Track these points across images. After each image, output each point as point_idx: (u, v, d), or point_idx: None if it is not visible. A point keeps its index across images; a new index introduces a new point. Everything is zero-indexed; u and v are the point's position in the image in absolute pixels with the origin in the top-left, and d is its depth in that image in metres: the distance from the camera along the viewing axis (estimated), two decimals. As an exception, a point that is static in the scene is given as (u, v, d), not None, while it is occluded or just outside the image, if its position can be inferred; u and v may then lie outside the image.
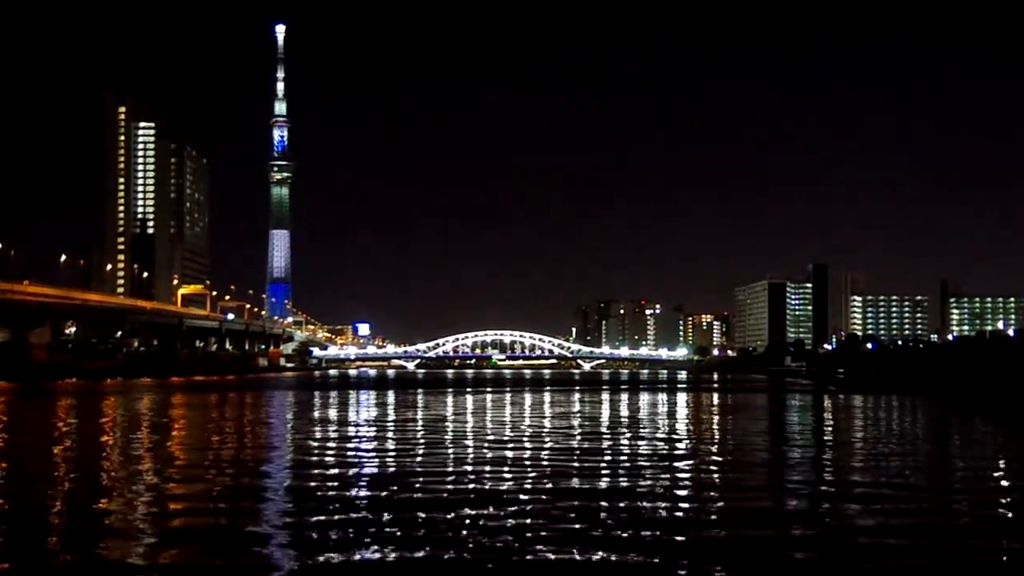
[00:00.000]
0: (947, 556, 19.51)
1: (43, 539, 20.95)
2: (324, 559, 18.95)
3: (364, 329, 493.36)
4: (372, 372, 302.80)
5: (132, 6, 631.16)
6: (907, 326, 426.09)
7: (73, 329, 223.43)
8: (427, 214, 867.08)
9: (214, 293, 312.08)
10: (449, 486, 28.80)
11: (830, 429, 56.18)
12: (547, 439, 46.04)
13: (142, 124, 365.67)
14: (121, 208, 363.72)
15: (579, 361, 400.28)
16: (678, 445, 43.52)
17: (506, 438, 46.27)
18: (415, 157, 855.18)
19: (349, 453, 39.67)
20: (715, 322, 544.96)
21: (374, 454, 39.38)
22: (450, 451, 40.18)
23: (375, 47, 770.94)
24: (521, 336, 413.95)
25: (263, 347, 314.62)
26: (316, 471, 33.15)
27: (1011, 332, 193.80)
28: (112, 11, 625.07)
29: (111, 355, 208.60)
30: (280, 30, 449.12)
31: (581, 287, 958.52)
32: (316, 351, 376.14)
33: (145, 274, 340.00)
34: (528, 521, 22.62)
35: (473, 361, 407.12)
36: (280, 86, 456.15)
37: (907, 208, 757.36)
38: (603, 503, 25.56)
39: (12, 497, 27.34)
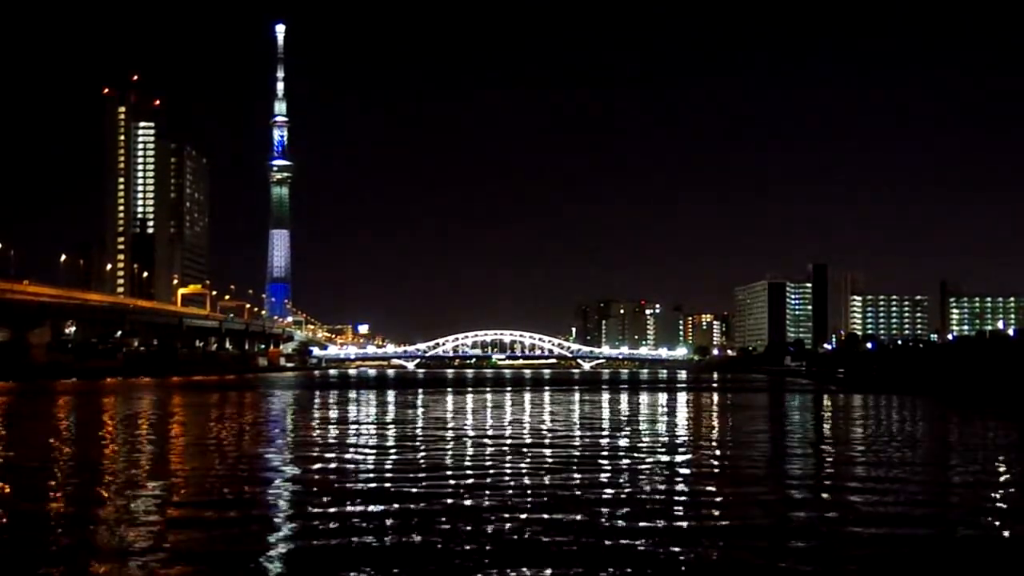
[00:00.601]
0: (946, 554, 19.53)
1: (43, 538, 20.96)
2: (323, 555, 19.01)
3: (364, 329, 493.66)
4: (372, 372, 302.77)
5: (132, 6, 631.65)
6: (907, 326, 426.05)
7: (73, 329, 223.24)
8: (427, 214, 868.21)
9: (214, 293, 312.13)
10: (448, 489, 28.78)
11: (829, 429, 56.19)
12: (546, 438, 46.04)
13: (142, 124, 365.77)
14: (121, 208, 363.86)
15: (579, 361, 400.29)
16: (677, 445, 43.51)
17: (505, 436, 46.26)
18: (415, 157, 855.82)
19: (348, 452, 39.65)
20: (715, 322, 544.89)
21: (373, 451, 39.38)
22: (449, 450, 40.16)
23: (375, 47, 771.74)
24: (521, 336, 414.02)
25: (263, 347, 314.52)
26: (315, 469, 33.17)
27: (1011, 332, 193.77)
28: (112, 11, 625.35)
29: (111, 355, 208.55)
30: (280, 30, 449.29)
31: (581, 287, 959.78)
32: (316, 351, 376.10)
33: (145, 274, 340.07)
34: (526, 516, 22.69)
35: (473, 361, 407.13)
36: (280, 86, 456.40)
37: (907, 208, 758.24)
38: (601, 507, 25.57)
39: (12, 496, 27.35)
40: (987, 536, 21.61)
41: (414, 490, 27.74)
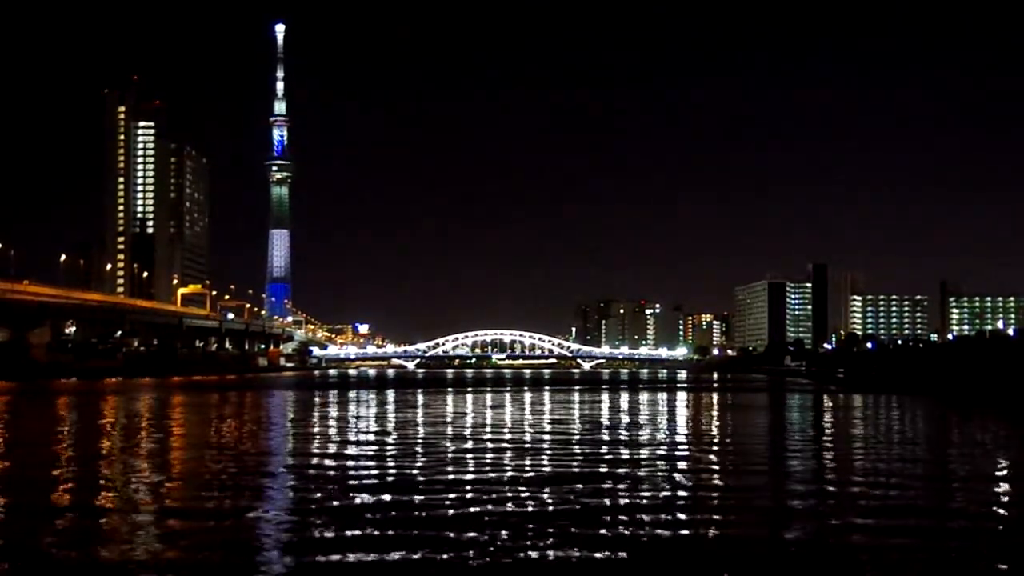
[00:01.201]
0: (945, 554, 19.55)
1: (43, 536, 20.97)
2: (323, 553, 19.04)
3: (364, 328, 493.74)
4: (372, 372, 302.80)
5: (132, 5, 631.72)
6: (907, 326, 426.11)
7: (73, 329, 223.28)
8: (427, 214, 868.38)
9: (214, 293, 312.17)
10: (451, 494, 28.78)
11: (830, 428, 56.21)
12: (546, 437, 46.05)
13: (142, 123, 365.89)
14: (121, 208, 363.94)
15: (579, 361, 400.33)
16: (677, 444, 43.54)
17: (505, 435, 46.26)
18: (415, 157, 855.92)
19: (348, 450, 39.66)
20: (715, 322, 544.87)
21: (374, 448, 39.38)
22: (449, 448, 40.15)
23: (375, 47, 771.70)
24: (521, 336, 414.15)
25: (263, 347, 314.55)
26: (315, 468, 33.19)
27: (1011, 332, 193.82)
28: (112, 10, 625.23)
29: (111, 355, 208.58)
30: (280, 30, 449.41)
31: (581, 287, 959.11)
32: (316, 351, 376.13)
33: (145, 274, 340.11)
34: (526, 513, 22.70)
35: (473, 361, 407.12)
36: (280, 85, 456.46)
37: (907, 208, 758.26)
38: (602, 503, 25.59)
39: (12, 495, 27.37)
40: (983, 530, 21.66)
41: (414, 484, 27.75)
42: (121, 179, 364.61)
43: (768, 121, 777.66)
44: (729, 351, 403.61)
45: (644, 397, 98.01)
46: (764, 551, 19.78)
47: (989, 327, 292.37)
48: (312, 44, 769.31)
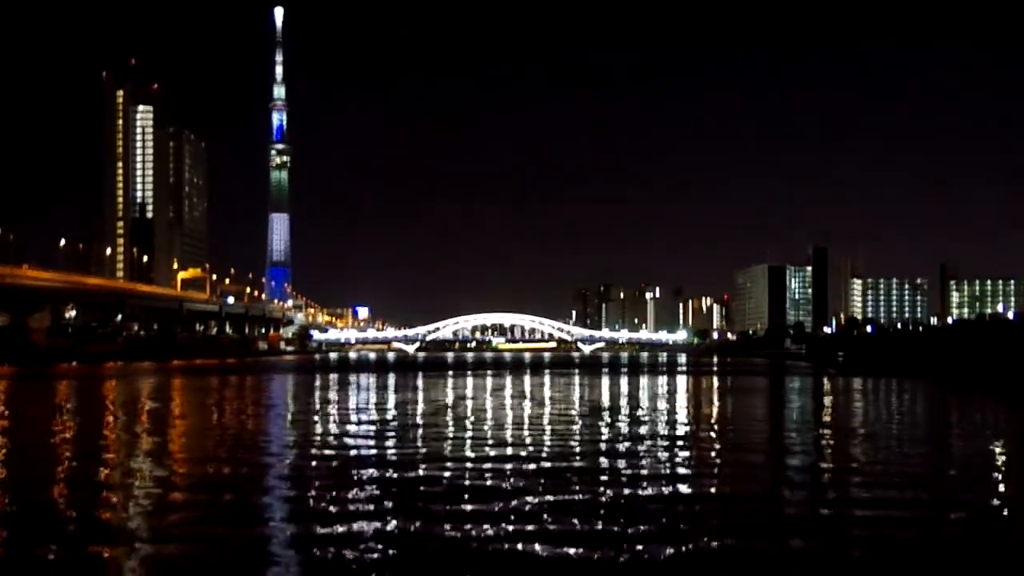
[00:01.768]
0: (943, 536, 19.61)
1: (44, 518, 21.03)
2: (323, 524, 19.11)
3: (364, 312, 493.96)
4: (372, 355, 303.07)
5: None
6: (907, 309, 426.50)
7: (73, 313, 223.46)
8: (427, 198, 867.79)
9: (214, 277, 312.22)
10: (447, 472, 28.84)
11: (829, 411, 56.29)
12: (546, 420, 46.15)
13: (140, 108, 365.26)
14: (120, 192, 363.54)
15: (579, 344, 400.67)
16: (676, 427, 43.61)
17: (506, 418, 46.35)
18: (415, 141, 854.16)
19: (349, 431, 39.70)
20: (715, 305, 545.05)
21: (374, 428, 39.41)
22: (449, 432, 40.21)
23: (374, 29, 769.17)
24: (521, 319, 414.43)
25: (263, 330, 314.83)
26: (316, 450, 33.23)
27: (1011, 315, 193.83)
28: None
29: (111, 339, 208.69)
30: (279, 14, 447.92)
31: (581, 271, 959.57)
32: (316, 334, 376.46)
33: (144, 258, 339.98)
34: (524, 487, 22.76)
35: (473, 344, 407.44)
36: (279, 69, 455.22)
37: (908, 192, 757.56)
38: (599, 486, 25.62)
39: (14, 478, 27.43)
40: (982, 511, 21.72)
41: (413, 471, 27.80)
42: (120, 164, 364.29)
43: (769, 107, 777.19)
44: (729, 335, 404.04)
45: (644, 380, 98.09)
46: (765, 527, 19.84)
47: (989, 311, 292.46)
48: (311, 27, 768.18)
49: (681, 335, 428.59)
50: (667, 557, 17.24)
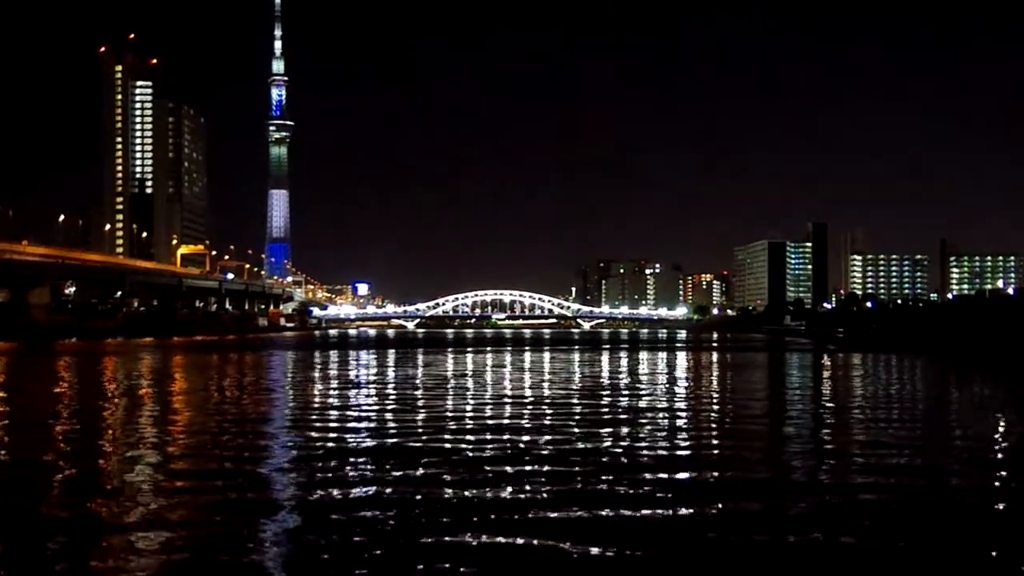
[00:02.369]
0: (941, 512, 19.68)
1: (44, 497, 21.06)
2: (323, 488, 19.18)
3: (363, 289, 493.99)
4: (372, 332, 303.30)
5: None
6: (907, 285, 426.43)
7: (73, 289, 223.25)
8: (427, 174, 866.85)
9: (213, 253, 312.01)
10: (447, 444, 28.91)
11: (828, 386, 56.41)
12: (546, 395, 46.27)
13: (139, 83, 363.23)
14: (119, 168, 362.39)
15: (579, 321, 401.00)
16: (676, 402, 43.71)
17: (507, 392, 46.44)
18: (414, 117, 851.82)
19: (350, 406, 39.79)
20: (715, 282, 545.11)
21: (375, 403, 39.50)
22: (449, 405, 40.30)
23: (374, 3, 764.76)
24: (521, 296, 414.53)
25: (263, 307, 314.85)
26: (317, 424, 33.29)
27: (1011, 291, 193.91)
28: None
29: (111, 315, 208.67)
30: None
31: (581, 247, 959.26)
32: (316, 311, 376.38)
33: (144, 234, 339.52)
34: (524, 456, 22.81)
35: (473, 321, 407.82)
36: (278, 44, 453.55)
37: (907, 168, 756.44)
38: (598, 461, 25.69)
39: (13, 454, 27.49)
40: (980, 488, 21.79)
41: (415, 443, 27.87)
42: (119, 139, 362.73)
43: (769, 78, 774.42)
44: (729, 311, 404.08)
45: (644, 356, 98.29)
46: (765, 503, 19.89)
47: (989, 286, 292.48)
48: (311, 2, 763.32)
49: (681, 311, 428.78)
50: (669, 517, 17.32)
